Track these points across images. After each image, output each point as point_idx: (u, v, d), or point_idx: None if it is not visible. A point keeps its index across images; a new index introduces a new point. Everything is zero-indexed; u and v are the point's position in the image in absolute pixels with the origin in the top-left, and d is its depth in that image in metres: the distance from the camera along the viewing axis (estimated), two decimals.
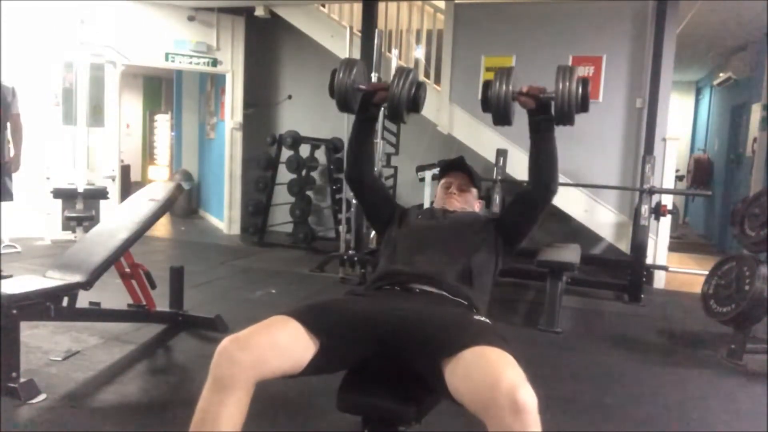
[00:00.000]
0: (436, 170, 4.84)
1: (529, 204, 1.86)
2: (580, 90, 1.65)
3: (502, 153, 5.08)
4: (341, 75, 1.85)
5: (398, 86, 1.79)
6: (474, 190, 2.11)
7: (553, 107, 1.70)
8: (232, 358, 1.37)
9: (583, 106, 1.67)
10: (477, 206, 2.11)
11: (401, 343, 1.47)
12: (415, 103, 1.84)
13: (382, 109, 1.94)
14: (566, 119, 1.69)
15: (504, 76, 1.71)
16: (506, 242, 1.88)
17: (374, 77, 5.08)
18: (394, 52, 5.43)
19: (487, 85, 1.73)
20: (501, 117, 1.74)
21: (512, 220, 1.90)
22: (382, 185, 2.09)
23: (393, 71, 1.85)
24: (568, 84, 1.64)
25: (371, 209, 2.08)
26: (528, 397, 1.19)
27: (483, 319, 1.61)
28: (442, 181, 2.15)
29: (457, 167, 2.14)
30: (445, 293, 1.68)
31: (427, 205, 4.80)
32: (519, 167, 5.24)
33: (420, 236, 1.88)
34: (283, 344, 1.44)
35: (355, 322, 1.54)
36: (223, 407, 1.35)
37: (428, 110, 5.77)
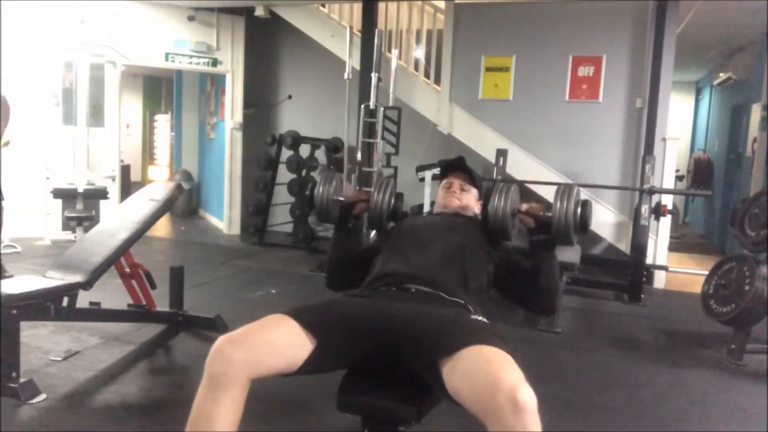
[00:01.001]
0: (436, 170, 4.84)
1: (524, 307, 1.90)
2: (578, 211, 1.66)
3: (502, 153, 5.08)
4: (321, 188, 1.92)
5: (378, 199, 1.88)
6: (474, 191, 2.10)
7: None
8: (227, 356, 1.37)
9: (582, 228, 1.68)
10: (477, 207, 2.11)
11: (399, 343, 1.47)
12: (394, 213, 1.92)
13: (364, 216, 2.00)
14: (565, 239, 1.70)
15: (504, 192, 1.74)
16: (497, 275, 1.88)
17: (374, 77, 5.09)
18: (394, 52, 5.43)
19: (487, 197, 1.76)
20: (500, 232, 1.77)
21: (505, 287, 1.87)
22: (371, 252, 1.96)
23: (373, 184, 1.93)
24: (566, 205, 1.66)
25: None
26: (528, 397, 1.19)
27: (481, 318, 1.61)
28: (443, 181, 2.15)
29: (458, 168, 2.14)
30: (441, 293, 1.68)
31: (427, 204, 4.80)
32: (519, 167, 5.24)
33: (417, 237, 1.88)
34: (278, 343, 1.45)
35: (352, 321, 1.54)
36: (219, 405, 1.36)
37: (428, 110, 5.78)
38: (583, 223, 1.67)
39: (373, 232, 5.07)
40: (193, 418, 1.38)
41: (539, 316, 1.83)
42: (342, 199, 1.94)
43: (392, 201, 1.90)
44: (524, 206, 1.75)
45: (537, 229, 1.74)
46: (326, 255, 5.00)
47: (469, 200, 2.07)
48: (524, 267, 1.81)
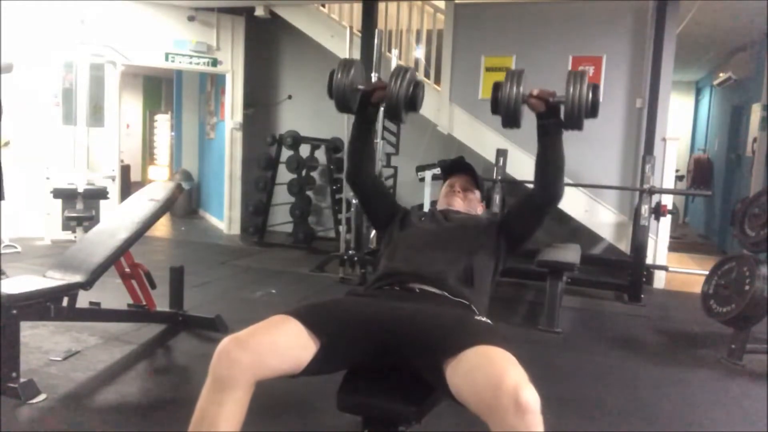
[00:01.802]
0: (436, 170, 4.83)
1: (534, 207, 1.85)
2: (590, 95, 1.65)
3: (502, 153, 5.08)
4: (339, 75, 1.85)
5: (396, 85, 1.79)
6: (477, 192, 2.12)
7: (562, 111, 1.70)
8: (232, 358, 1.37)
9: (593, 112, 1.67)
10: (480, 208, 2.13)
11: (402, 344, 1.47)
12: (413, 102, 1.84)
13: (381, 109, 1.93)
14: (575, 124, 1.69)
15: (515, 77, 1.70)
16: (509, 244, 1.88)
17: (374, 77, 5.08)
18: (394, 52, 5.42)
19: (497, 86, 1.71)
20: (510, 119, 1.72)
21: (517, 222, 1.89)
22: (383, 185, 2.09)
23: (391, 71, 1.86)
24: (579, 88, 1.65)
25: (372, 209, 2.07)
26: (531, 398, 1.19)
27: (484, 319, 1.61)
28: (446, 182, 2.16)
29: (461, 169, 2.15)
30: (445, 294, 1.68)
31: (427, 204, 4.80)
32: (519, 167, 5.24)
33: (421, 237, 1.88)
34: (283, 344, 1.44)
35: (356, 322, 1.54)
36: (222, 407, 1.35)
37: (428, 110, 5.77)
38: (593, 106, 1.67)
39: (373, 233, 5.08)
40: (196, 419, 1.38)
41: (549, 200, 1.80)
42: (360, 87, 1.89)
43: (410, 89, 1.82)
44: (535, 91, 1.72)
45: (546, 114, 1.72)
46: (328, 261, 5.05)
47: (472, 201, 2.09)
48: (515, 201, 1.86)
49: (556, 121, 1.71)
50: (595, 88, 1.67)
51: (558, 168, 1.76)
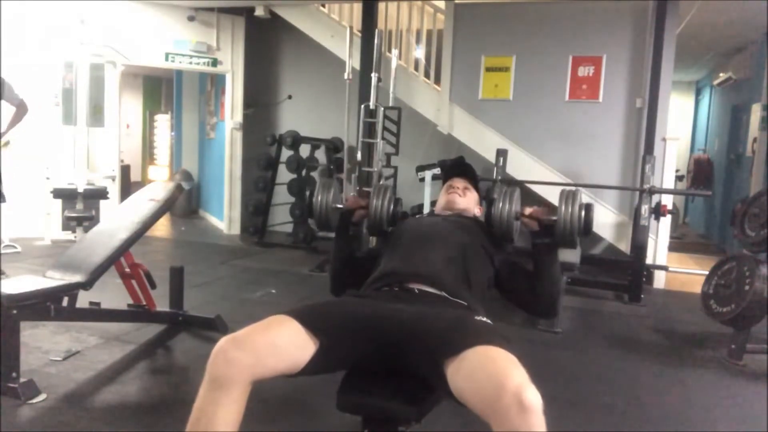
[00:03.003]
0: (436, 170, 4.83)
1: (526, 310, 1.90)
2: (583, 214, 1.68)
3: (502, 153, 5.08)
4: (319, 197, 1.93)
5: (377, 205, 1.89)
6: (475, 194, 2.15)
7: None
8: (229, 357, 1.37)
9: (586, 231, 1.70)
10: (478, 210, 2.14)
11: (402, 344, 1.47)
12: (393, 218, 1.93)
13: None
14: (568, 243, 1.71)
15: (508, 196, 1.75)
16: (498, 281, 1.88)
17: (374, 77, 5.09)
18: (394, 52, 5.43)
19: (490, 202, 1.78)
20: (504, 235, 1.78)
21: (508, 291, 1.87)
22: (369, 258, 1.98)
23: (372, 190, 1.94)
24: (571, 209, 1.67)
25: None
26: (534, 398, 1.19)
27: (484, 319, 1.61)
28: (446, 184, 2.18)
29: (461, 171, 2.17)
30: (444, 294, 1.68)
31: (427, 204, 4.80)
32: (519, 167, 5.24)
33: (419, 237, 1.88)
34: (281, 344, 1.44)
35: (355, 322, 1.54)
36: (220, 406, 1.35)
37: (428, 110, 5.78)
38: (586, 226, 1.69)
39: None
40: (193, 419, 1.38)
41: (540, 318, 1.83)
42: (340, 206, 1.95)
43: (391, 206, 1.90)
44: (527, 210, 1.76)
45: (540, 233, 1.75)
46: (328, 261, 5.05)
47: (471, 202, 2.11)
48: (526, 268, 1.82)
49: (550, 241, 1.74)
50: (588, 207, 1.70)
51: (552, 288, 1.77)
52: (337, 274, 2.00)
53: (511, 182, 5.22)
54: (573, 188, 1.74)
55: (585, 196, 5.50)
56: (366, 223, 1.98)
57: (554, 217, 1.70)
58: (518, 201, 1.77)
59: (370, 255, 1.99)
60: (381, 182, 5.05)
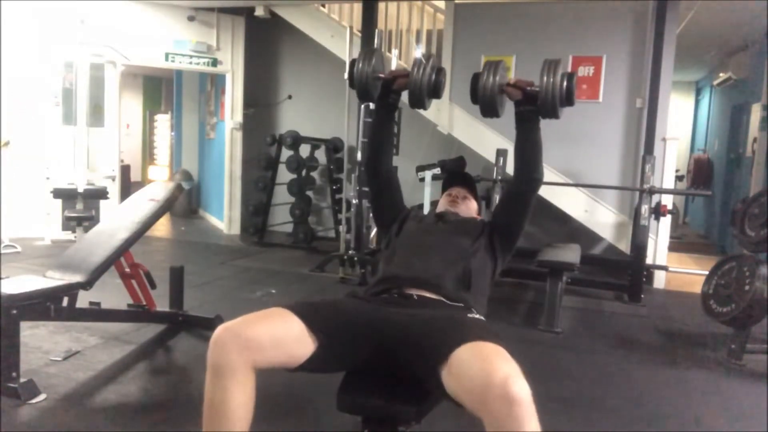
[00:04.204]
0: (436, 170, 4.83)
1: (517, 195, 1.88)
2: (564, 84, 1.68)
3: (502, 153, 5.08)
4: (361, 65, 1.86)
5: (419, 73, 1.80)
6: (474, 203, 2.17)
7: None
8: (225, 345, 1.39)
9: (568, 100, 1.70)
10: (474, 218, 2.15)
11: (399, 350, 1.48)
12: (436, 89, 1.85)
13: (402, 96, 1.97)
14: (551, 112, 1.71)
15: (492, 68, 1.74)
16: (503, 242, 1.89)
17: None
18: (394, 52, 5.43)
19: (476, 77, 1.75)
20: (488, 107, 1.75)
21: (504, 216, 1.91)
22: (397, 181, 2.09)
23: (412, 60, 1.89)
24: (552, 78, 1.67)
25: (382, 204, 2.08)
26: (521, 389, 1.18)
27: (477, 316, 1.61)
28: (445, 192, 2.20)
29: (460, 181, 2.20)
30: (443, 299, 1.69)
31: (427, 204, 4.80)
32: None
33: (419, 240, 1.89)
34: (279, 335, 1.45)
35: (353, 325, 1.54)
36: (227, 391, 1.37)
37: (428, 110, 5.76)
38: (568, 94, 1.69)
39: (373, 233, 5.08)
40: (207, 410, 1.40)
41: (530, 186, 1.82)
42: (382, 75, 1.90)
43: (433, 76, 1.83)
44: (512, 80, 1.76)
45: (523, 101, 1.76)
46: (329, 261, 5.05)
47: (470, 211, 2.13)
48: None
49: (533, 108, 1.74)
50: (570, 76, 1.69)
51: (536, 152, 1.79)
52: (374, 142, 2.01)
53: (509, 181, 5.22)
54: (555, 59, 1.74)
55: (584, 194, 5.50)
56: (408, 94, 1.91)
57: (537, 87, 1.70)
58: (502, 74, 1.76)
59: (398, 183, 2.07)
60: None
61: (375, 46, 5.08)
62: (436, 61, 1.85)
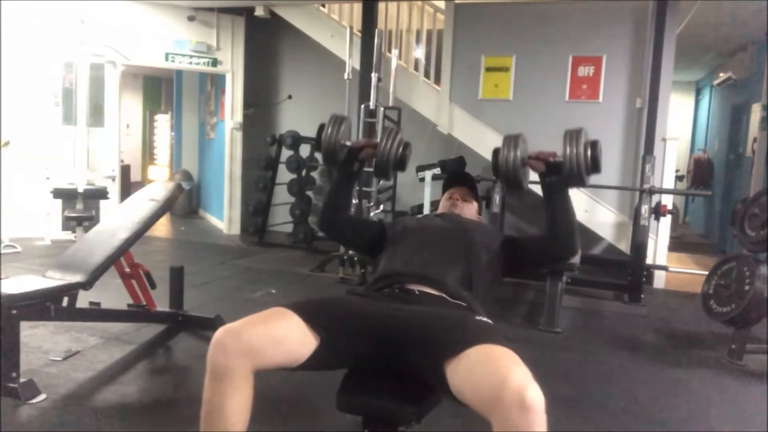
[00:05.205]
0: (436, 170, 4.83)
1: (549, 257, 1.92)
2: (589, 152, 1.65)
3: None
4: (329, 130, 1.89)
5: (387, 145, 1.85)
6: (475, 204, 2.16)
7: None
8: (226, 347, 1.39)
9: (594, 168, 1.67)
10: (478, 220, 2.15)
11: (403, 345, 1.47)
12: (401, 163, 1.90)
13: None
14: (579, 182, 1.69)
15: (512, 142, 1.71)
16: (509, 265, 1.91)
17: (374, 77, 5.09)
18: (394, 52, 5.43)
19: (496, 152, 1.74)
20: (512, 183, 1.74)
21: (526, 254, 1.91)
22: (360, 221, 2.09)
23: (380, 131, 1.91)
24: (576, 149, 1.64)
25: (359, 246, 2.10)
26: (536, 397, 1.18)
27: (485, 319, 1.61)
28: (446, 193, 2.19)
29: (461, 181, 2.20)
30: (444, 295, 1.69)
31: (427, 204, 4.80)
32: None
33: (421, 237, 1.89)
34: (280, 335, 1.45)
35: (356, 322, 1.54)
36: (226, 396, 1.37)
37: (428, 110, 5.78)
38: (594, 163, 1.65)
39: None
40: (205, 412, 1.40)
41: (562, 260, 1.81)
42: (349, 143, 1.92)
43: (400, 149, 1.86)
44: (533, 153, 1.73)
45: (548, 173, 1.72)
46: (329, 261, 5.05)
47: (470, 212, 2.13)
48: (533, 233, 1.85)
49: (559, 179, 1.71)
50: (593, 144, 1.66)
51: (571, 224, 1.75)
52: (331, 206, 1.99)
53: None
54: (577, 128, 1.69)
55: (584, 194, 5.50)
56: (373, 164, 1.93)
57: (560, 158, 1.67)
58: (524, 147, 1.72)
59: (364, 222, 2.02)
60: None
61: (375, 46, 5.09)
62: (402, 135, 1.90)
